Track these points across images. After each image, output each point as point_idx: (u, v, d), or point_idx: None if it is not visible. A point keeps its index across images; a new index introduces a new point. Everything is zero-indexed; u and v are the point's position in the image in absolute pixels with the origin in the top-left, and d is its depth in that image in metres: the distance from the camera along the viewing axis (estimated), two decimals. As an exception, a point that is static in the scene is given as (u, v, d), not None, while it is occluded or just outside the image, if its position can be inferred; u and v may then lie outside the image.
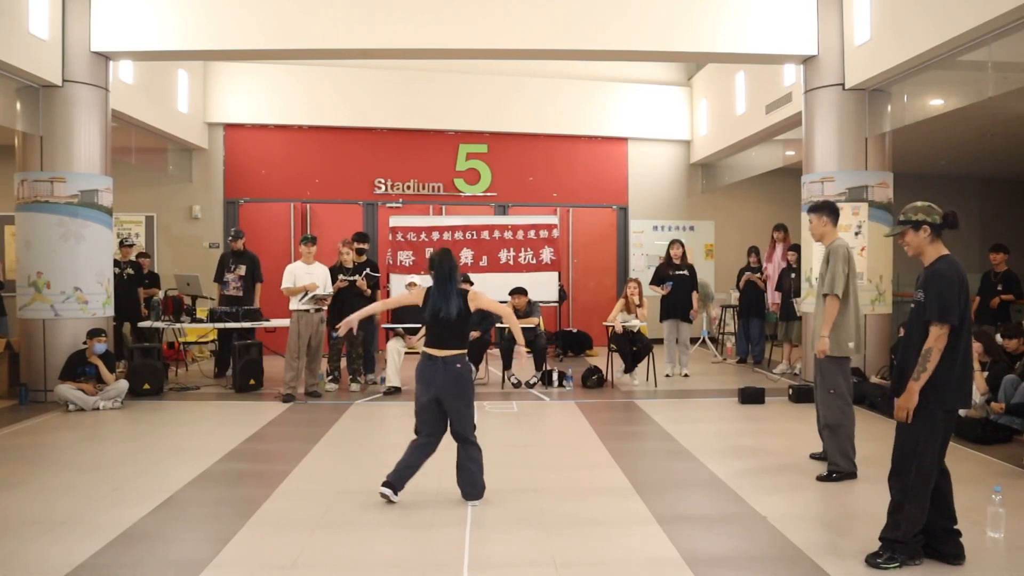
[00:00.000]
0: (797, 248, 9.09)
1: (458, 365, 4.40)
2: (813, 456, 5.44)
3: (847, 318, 4.97)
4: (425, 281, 9.16)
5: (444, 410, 4.44)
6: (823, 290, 5.01)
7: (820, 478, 4.93)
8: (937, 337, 3.40)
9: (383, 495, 4.38)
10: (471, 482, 4.45)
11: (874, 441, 6.08)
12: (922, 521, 3.50)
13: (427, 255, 10.33)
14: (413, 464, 4.45)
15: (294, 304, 7.84)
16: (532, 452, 5.74)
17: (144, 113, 9.75)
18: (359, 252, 8.65)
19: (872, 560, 3.52)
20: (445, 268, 4.48)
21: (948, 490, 3.59)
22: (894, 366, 7.31)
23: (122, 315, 9.01)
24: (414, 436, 4.51)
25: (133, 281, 9.47)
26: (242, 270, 9.14)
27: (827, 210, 5.15)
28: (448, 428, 4.50)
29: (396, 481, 4.40)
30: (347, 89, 12.02)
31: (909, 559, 3.49)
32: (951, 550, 3.54)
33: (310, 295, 7.82)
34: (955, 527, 3.57)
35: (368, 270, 8.58)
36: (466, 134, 12.47)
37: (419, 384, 4.45)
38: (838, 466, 4.93)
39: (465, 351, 4.50)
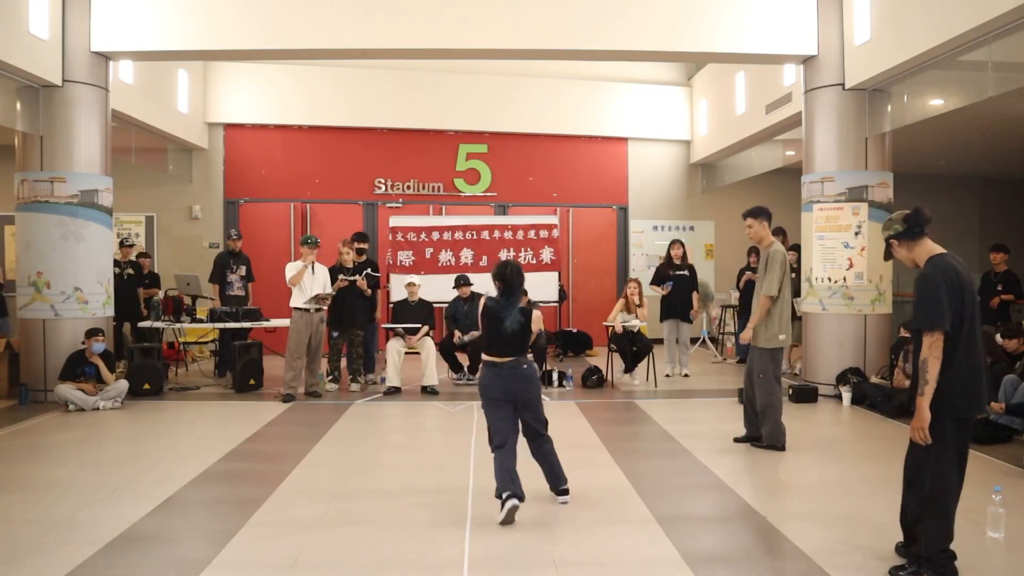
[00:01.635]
0: (797, 248, 9.09)
1: (524, 366, 4.39)
2: (737, 440, 5.91)
3: (782, 314, 5.66)
4: (425, 281, 9.21)
5: (509, 413, 4.37)
6: (762, 291, 5.68)
7: (741, 440, 5.83)
8: (930, 346, 3.22)
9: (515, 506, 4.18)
10: (560, 474, 4.48)
11: (874, 441, 6.10)
12: (946, 536, 3.34)
13: (427, 255, 10.35)
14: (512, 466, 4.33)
15: (295, 303, 7.84)
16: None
17: (144, 113, 9.75)
18: (359, 252, 8.65)
19: (895, 573, 3.40)
20: (517, 283, 4.40)
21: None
22: (900, 370, 7.31)
23: (122, 315, 9.01)
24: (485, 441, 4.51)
25: (133, 281, 9.48)
26: (243, 270, 9.19)
27: (766, 215, 5.83)
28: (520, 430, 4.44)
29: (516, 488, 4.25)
30: (347, 89, 12.02)
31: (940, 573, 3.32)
32: None
33: (312, 294, 7.83)
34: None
35: (369, 270, 8.59)
36: (466, 134, 12.47)
37: (489, 390, 4.35)
38: (771, 443, 5.65)
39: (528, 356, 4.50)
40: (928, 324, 3.24)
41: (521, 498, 4.15)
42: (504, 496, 4.12)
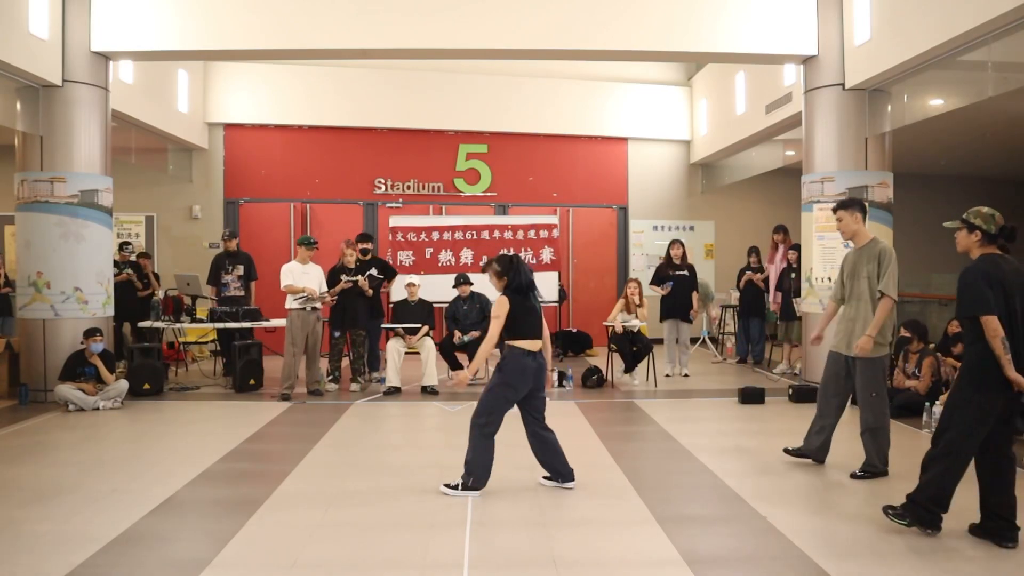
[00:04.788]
0: (797, 248, 9.10)
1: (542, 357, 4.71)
2: (787, 450, 5.38)
3: (891, 319, 5.04)
4: (425, 281, 9.20)
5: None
6: (879, 289, 4.97)
7: (855, 476, 4.96)
8: (985, 330, 3.63)
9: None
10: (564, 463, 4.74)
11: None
12: (941, 496, 3.76)
13: (427, 255, 10.35)
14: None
15: (289, 303, 7.87)
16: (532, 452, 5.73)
17: (144, 113, 9.76)
18: (363, 252, 8.67)
19: (886, 508, 3.92)
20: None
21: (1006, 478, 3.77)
22: (900, 370, 7.32)
23: (122, 315, 9.01)
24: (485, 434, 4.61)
25: (132, 282, 9.48)
26: (240, 270, 9.14)
27: (859, 206, 5.14)
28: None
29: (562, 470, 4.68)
30: (347, 89, 12.03)
31: (918, 523, 3.82)
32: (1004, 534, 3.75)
33: (307, 297, 7.84)
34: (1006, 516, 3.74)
35: (374, 270, 8.59)
36: (466, 134, 12.47)
37: (522, 379, 4.55)
38: (875, 467, 4.96)
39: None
40: (960, 312, 3.78)
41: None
42: (476, 488, 4.52)
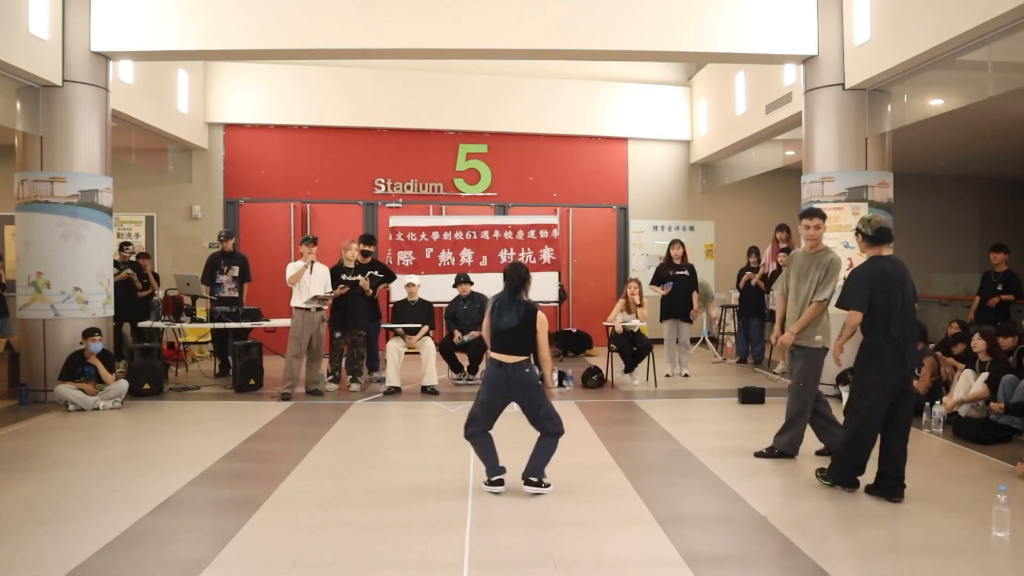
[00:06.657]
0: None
1: (527, 370, 4.63)
2: (819, 452, 5.52)
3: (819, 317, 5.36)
4: (425, 281, 9.20)
5: (499, 410, 4.71)
6: (813, 296, 5.27)
7: (757, 454, 5.53)
8: (847, 318, 4.41)
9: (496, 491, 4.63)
10: (536, 468, 4.69)
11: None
12: (856, 459, 4.52)
13: (427, 255, 10.35)
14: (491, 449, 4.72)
15: (296, 302, 7.85)
16: (532, 452, 5.73)
17: (144, 113, 9.75)
18: (364, 254, 8.65)
19: (817, 472, 4.75)
20: (515, 279, 4.67)
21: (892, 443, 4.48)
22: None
23: (122, 315, 9.01)
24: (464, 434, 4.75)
25: (133, 281, 9.48)
26: (235, 271, 9.14)
27: (824, 216, 5.46)
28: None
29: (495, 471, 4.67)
30: (347, 89, 12.03)
31: (841, 484, 4.61)
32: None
33: (311, 294, 7.83)
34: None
35: (376, 271, 8.58)
36: (466, 134, 12.47)
37: (487, 387, 4.65)
38: (787, 451, 5.46)
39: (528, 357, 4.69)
40: (841, 303, 4.49)
41: (503, 478, 4.68)
42: (494, 480, 4.64)
